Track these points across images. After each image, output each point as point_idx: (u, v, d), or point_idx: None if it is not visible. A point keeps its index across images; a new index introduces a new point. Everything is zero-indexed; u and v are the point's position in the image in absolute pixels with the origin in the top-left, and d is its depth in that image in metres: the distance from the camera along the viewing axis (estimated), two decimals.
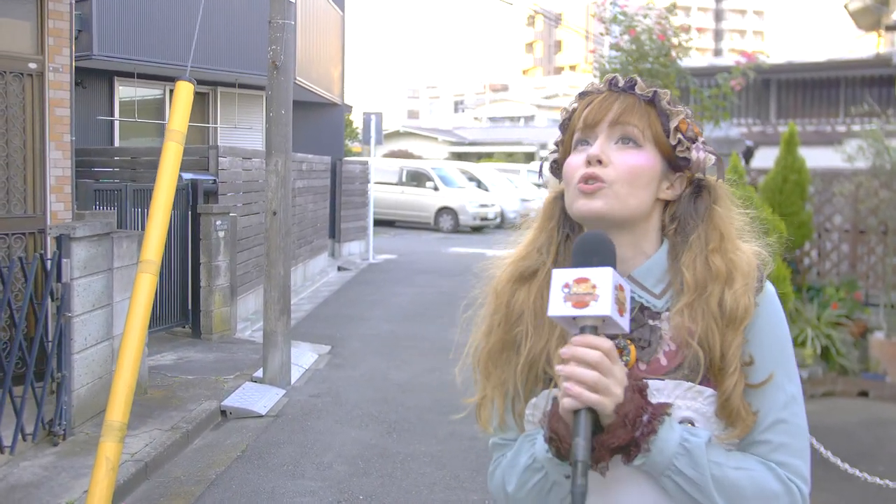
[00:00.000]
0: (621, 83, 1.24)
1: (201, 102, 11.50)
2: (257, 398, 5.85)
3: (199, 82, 11.26)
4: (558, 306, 1.04)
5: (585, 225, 1.22)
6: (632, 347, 1.15)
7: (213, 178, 7.79)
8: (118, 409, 3.37)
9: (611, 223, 1.18)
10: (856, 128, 8.60)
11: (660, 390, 1.11)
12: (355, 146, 27.18)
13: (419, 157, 30.57)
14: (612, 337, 1.08)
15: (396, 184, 21.52)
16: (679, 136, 1.20)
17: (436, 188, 21.07)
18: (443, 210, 20.90)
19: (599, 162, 1.18)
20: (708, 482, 1.07)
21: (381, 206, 20.34)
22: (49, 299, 4.52)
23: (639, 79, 1.24)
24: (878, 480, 4.00)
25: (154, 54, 9.01)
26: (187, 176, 7.53)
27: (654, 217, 1.21)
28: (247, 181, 8.67)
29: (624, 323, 1.04)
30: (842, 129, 10.28)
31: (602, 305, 1.01)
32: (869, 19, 13.99)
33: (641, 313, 1.18)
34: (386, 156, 31.61)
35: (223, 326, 7.59)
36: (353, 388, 6.38)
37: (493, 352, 1.26)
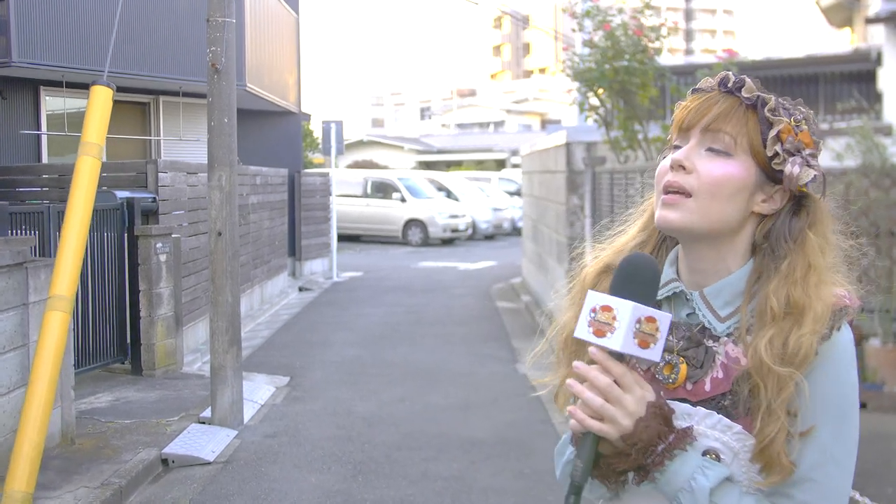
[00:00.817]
0: (731, 82, 1.20)
1: (142, 113, 11.04)
2: (204, 442, 5.40)
3: (140, 91, 10.87)
4: (583, 329, 1.09)
5: (666, 234, 1.25)
6: (683, 366, 1.17)
7: (152, 195, 7.34)
8: (21, 475, 2.93)
9: (691, 236, 1.18)
10: (841, 125, 8.41)
11: (690, 415, 1.14)
12: (317, 157, 26.78)
13: (385, 168, 30.22)
14: (668, 350, 1.16)
15: (361, 196, 21.15)
16: (777, 146, 1.17)
17: (403, 199, 20.73)
18: (411, 222, 20.57)
19: (683, 168, 1.17)
20: None
21: (346, 221, 19.98)
22: None
23: (749, 80, 1.20)
24: None
25: (85, 61, 8.53)
26: (123, 194, 7.07)
27: (746, 231, 1.20)
28: (192, 198, 8.23)
29: (651, 355, 1.08)
30: (824, 126, 10.12)
31: (615, 340, 1.06)
32: (841, 15, 13.97)
33: (701, 333, 1.19)
34: (350, 167, 31.26)
35: (168, 360, 7.13)
36: (314, 425, 5.96)
37: (570, 336, 1.25)
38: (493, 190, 25.22)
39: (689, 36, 72.02)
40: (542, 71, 60.16)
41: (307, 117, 15.27)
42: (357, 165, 31.27)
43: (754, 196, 1.18)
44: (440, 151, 38.24)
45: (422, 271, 15.40)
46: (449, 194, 22.63)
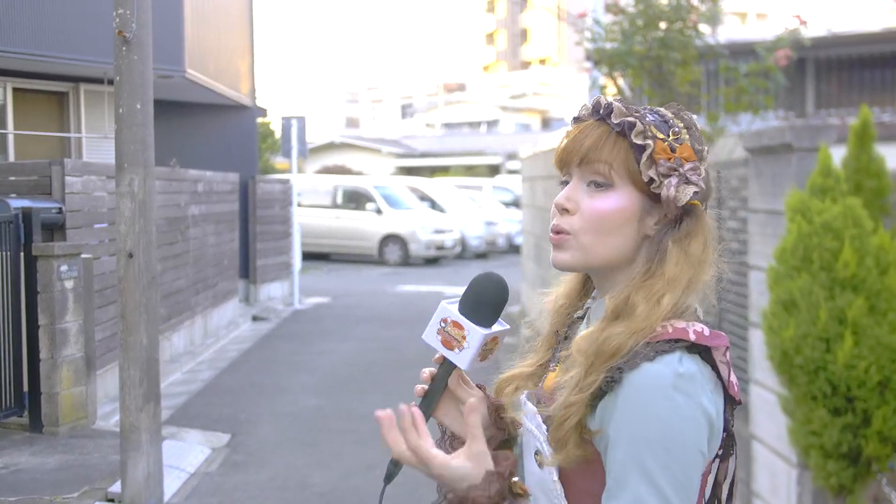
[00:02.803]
0: (602, 108, 1.32)
1: (59, 105, 10.39)
2: None
3: (57, 78, 10.24)
4: (431, 335, 1.35)
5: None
6: (551, 373, 1.39)
7: (57, 205, 6.68)
8: None
9: (585, 271, 1.39)
10: None
11: (531, 415, 1.37)
12: (281, 162, 26.21)
13: (359, 174, 29.64)
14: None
15: (330, 206, 20.56)
16: (651, 170, 1.28)
17: (379, 211, 20.12)
18: (388, 238, 19.96)
19: (567, 210, 1.32)
20: None
21: (312, 236, 19.38)
22: None
23: (617, 103, 1.30)
24: None
25: None
26: (18, 203, 6.40)
27: (642, 255, 1.32)
28: (113, 209, 7.55)
29: (456, 359, 1.34)
30: None
31: (462, 358, 1.33)
32: None
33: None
34: (319, 172, 30.73)
35: (75, 413, 6.43)
36: None
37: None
38: (486, 200, 24.64)
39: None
40: (542, 62, 59.84)
41: (262, 112, 14.63)
42: (327, 171, 30.75)
43: (644, 222, 1.31)
44: (424, 155, 37.74)
45: (400, 297, 14.76)
46: (433, 205, 22.04)
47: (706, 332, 1.22)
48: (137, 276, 4.97)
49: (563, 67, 53.92)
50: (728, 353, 1.24)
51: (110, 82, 10.13)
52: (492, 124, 45.89)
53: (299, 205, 19.02)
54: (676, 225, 1.29)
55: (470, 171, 34.32)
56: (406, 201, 21.06)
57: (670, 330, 1.21)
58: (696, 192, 1.27)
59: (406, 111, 60.22)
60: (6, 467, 5.58)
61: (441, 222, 20.56)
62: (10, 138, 9.73)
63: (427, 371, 1.37)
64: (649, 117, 1.28)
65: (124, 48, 4.82)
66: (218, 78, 11.66)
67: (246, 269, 13.46)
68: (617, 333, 1.22)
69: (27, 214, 6.34)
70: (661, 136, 1.26)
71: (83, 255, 6.62)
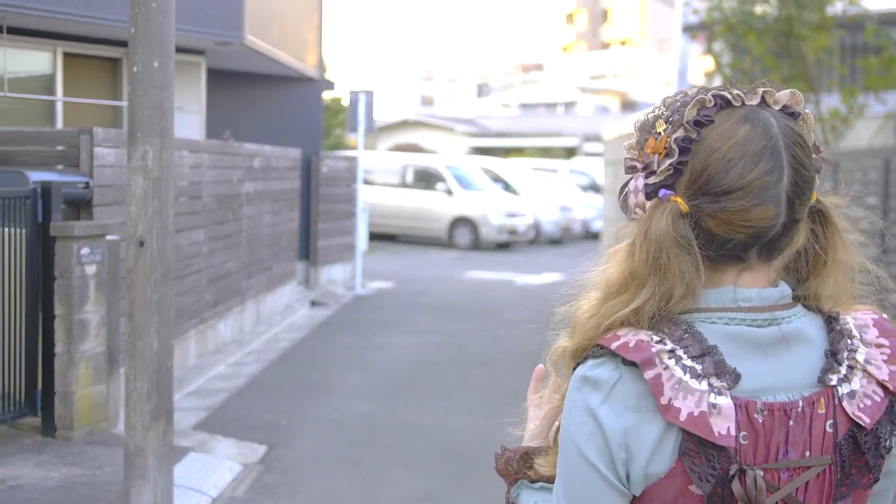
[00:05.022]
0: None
1: (112, 71, 9.66)
2: None
3: (108, 42, 9.52)
4: None
5: None
6: None
7: (84, 179, 5.88)
8: None
9: None
10: None
11: None
12: (353, 139, 25.48)
13: (432, 152, 28.71)
14: None
15: (399, 185, 19.69)
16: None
17: (450, 192, 19.16)
18: (459, 221, 18.99)
19: None
20: None
21: (379, 216, 18.56)
22: None
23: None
24: None
25: None
26: (39, 177, 5.62)
27: None
28: None
29: None
30: None
31: None
32: None
33: None
34: (392, 149, 29.91)
35: (94, 416, 5.65)
36: None
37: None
38: (562, 183, 23.47)
39: None
40: (623, 43, 57.87)
41: (330, 85, 13.76)
42: (399, 149, 29.91)
43: None
44: (498, 135, 36.63)
45: (469, 284, 13.81)
46: (507, 187, 20.99)
47: (631, 343, 1.12)
48: (149, 269, 4.10)
49: (644, 48, 52.06)
50: (670, 372, 1.10)
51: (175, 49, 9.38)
52: (569, 106, 44.47)
53: (367, 183, 18.25)
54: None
55: (545, 152, 33.17)
56: (478, 182, 20.07)
57: (608, 335, 1.15)
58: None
59: (482, 90, 59.04)
60: (3, 482, 4.81)
61: (514, 205, 19.50)
62: (59, 106, 9.05)
63: None
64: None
65: None
66: (281, 47, 10.81)
67: (306, 251, 12.67)
68: (563, 338, 1.26)
69: (46, 189, 5.54)
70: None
71: (108, 237, 5.80)
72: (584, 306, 1.21)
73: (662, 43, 44.23)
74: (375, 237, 18.41)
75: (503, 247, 19.29)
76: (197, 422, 6.31)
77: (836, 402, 1.13)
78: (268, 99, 12.27)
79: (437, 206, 19.21)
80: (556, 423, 1.24)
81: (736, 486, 1.08)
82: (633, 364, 1.10)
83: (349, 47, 76.15)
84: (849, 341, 1.17)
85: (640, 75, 46.90)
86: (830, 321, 1.19)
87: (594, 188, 23.55)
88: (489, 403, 6.96)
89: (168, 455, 4.23)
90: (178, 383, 6.99)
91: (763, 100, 1.16)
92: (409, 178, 19.83)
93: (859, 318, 1.20)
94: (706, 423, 1.08)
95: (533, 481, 1.28)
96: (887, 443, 1.15)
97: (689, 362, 1.10)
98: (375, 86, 13.82)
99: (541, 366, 1.38)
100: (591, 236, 21.39)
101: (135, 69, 4.08)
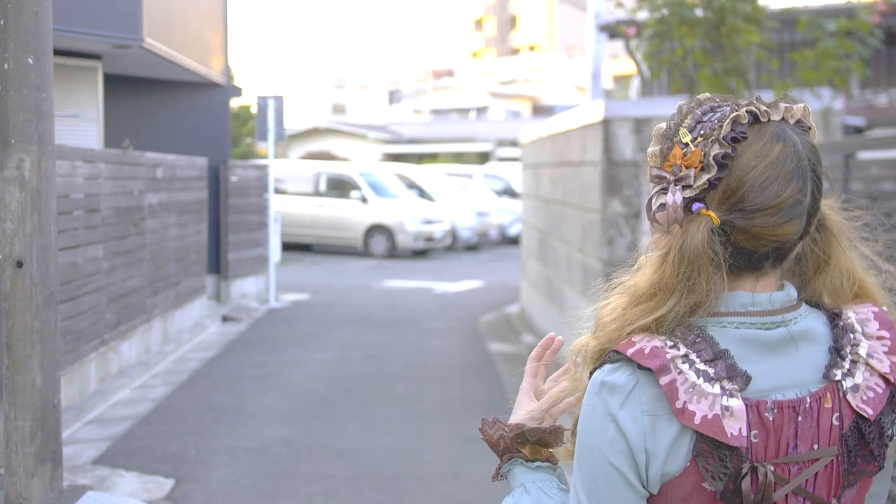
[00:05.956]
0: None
1: None
2: None
3: None
4: None
5: None
6: None
7: None
8: None
9: None
10: None
11: None
12: (263, 147, 24.80)
13: (345, 160, 28.21)
14: None
15: (312, 194, 19.18)
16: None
17: (364, 200, 18.73)
18: (374, 229, 18.57)
19: None
20: None
21: (293, 225, 18.06)
22: None
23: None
24: None
25: None
26: None
27: None
28: (62, 196, 6.17)
29: None
30: None
31: None
32: None
33: None
34: (303, 158, 29.30)
35: None
36: None
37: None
38: (477, 189, 23.27)
39: None
40: (532, 48, 58.26)
41: (237, 92, 13.20)
42: (311, 157, 29.34)
43: None
44: (411, 141, 36.30)
45: (387, 294, 13.42)
46: (422, 194, 20.67)
47: (646, 350, 1.15)
48: (29, 293, 3.62)
49: (553, 54, 52.52)
50: (684, 377, 1.13)
51: (68, 53, 8.76)
52: (481, 111, 44.46)
53: (279, 192, 17.71)
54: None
55: (459, 158, 32.99)
56: (393, 189, 19.69)
57: (624, 341, 1.18)
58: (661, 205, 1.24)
59: (393, 97, 58.69)
60: None
61: (430, 212, 19.19)
62: None
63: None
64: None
65: None
66: (185, 51, 10.25)
67: (217, 264, 12.09)
68: (586, 335, 1.27)
69: None
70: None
71: None
72: (610, 306, 1.24)
73: (571, 49, 44.70)
74: (289, 248, 17.87)
75: (420, 254, 18.96)
76: (97, 455, 5.77)
77: (841, 396, 1.18)
78: (172, 106, 11.67)
79: (352, 215, 18.76)
80: (575, 418, 1.26)
81: (745, 483, 1.11)
82: (648, 369, 1.14)
83: (258, 54, 74.88)
84: (851, 336, 1.22)
85: (550, 80, 47.24)
86: (834, 318, 1.24)
87: (510, 193, 23.43)
88: (414, 420, 6.60)
89: (57, 502, 3.74)
90: (77, 412, 6.43)
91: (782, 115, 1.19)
92: (323, 186, 19.33)
93: (861, 313, 1.25)
94: (719, 425, 1.12)
95: (527, 460, 1.34)
96: (890, 431, 1.20)
97: (701, 366, 1.14)
98: (285, 93, 13.27)
99: (532, 364, 1.44)
100: (509, 241, 21.23)
101: (6, 66, 3.58)
